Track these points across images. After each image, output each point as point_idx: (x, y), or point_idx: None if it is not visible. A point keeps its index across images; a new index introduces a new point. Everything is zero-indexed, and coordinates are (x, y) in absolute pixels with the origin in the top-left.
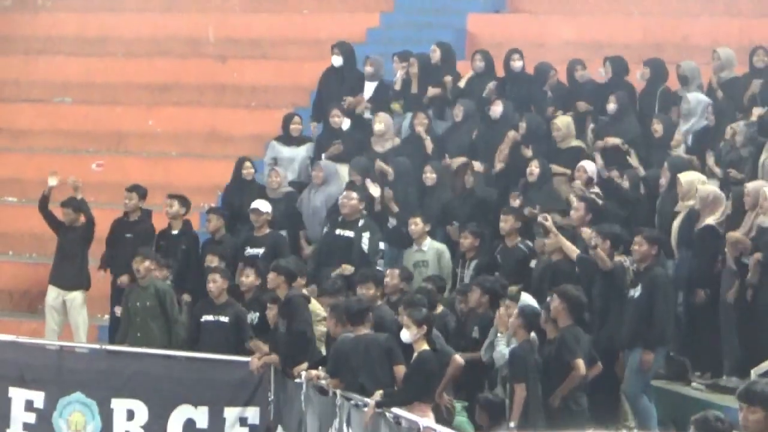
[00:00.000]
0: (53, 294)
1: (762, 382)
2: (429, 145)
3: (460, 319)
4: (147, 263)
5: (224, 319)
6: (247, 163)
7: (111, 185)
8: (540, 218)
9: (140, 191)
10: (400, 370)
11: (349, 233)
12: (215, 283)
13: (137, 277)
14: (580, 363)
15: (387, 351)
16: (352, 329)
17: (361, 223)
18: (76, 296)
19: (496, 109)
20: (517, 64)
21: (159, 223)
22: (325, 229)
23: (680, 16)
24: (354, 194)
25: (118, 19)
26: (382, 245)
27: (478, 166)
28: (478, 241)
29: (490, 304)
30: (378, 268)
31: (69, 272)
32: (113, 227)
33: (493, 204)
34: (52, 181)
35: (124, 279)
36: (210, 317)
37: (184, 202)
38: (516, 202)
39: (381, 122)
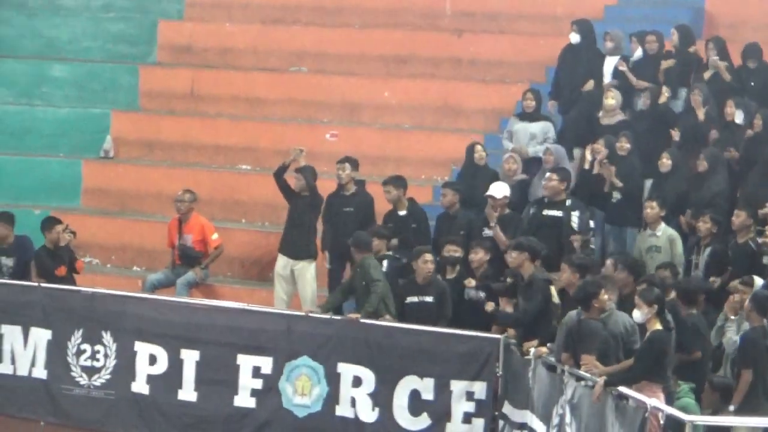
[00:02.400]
0: (282, 263)
1: None
2: (701, 115)
3: None
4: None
5: (428, 299)
6: (478, 147)
7: (344, 156)
8: None
9: (352, 162)
10: (585, 359)
11: (557, 213)
12: (426, 264)
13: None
14: None
15: (579, 337)
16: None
17: (568, 202)
18: (305, 266)
19: (732, 112)
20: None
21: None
22: (532, 210)
23: None
24: (555, 175)
25: None
26: (591, 224)
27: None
28: (716, 227)
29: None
30: (591, 246)
31: (298, 241)
32: (329, 203)
33: (727, 195)
34: (296, 155)
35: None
36: (415, 299)
37: (399, 183)
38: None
39: (613, 98)
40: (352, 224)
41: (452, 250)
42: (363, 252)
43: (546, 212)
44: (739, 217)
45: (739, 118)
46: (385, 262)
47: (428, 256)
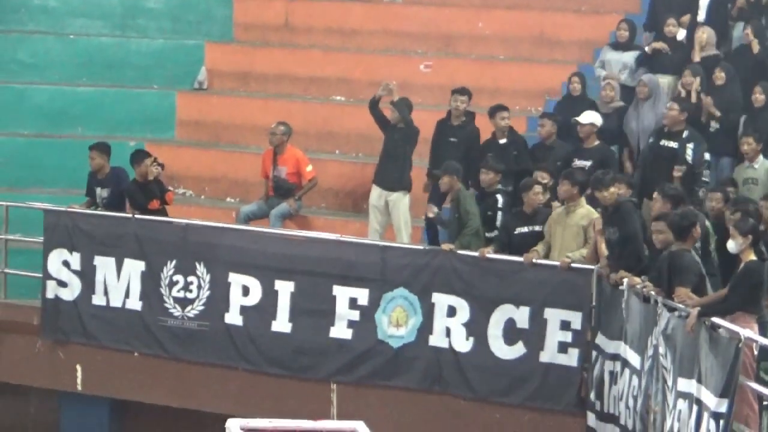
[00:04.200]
0: (376, 194)
1: None
2: (756, 47)
3: None
4: (446, 179)
5: (538, 228)
6: (574, 78)
7: (438, 87)
8: None
9: (468, 94)
10: (679, 291)
11: (673, 144)
12: (537, 196)
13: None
14: None
15: (673, 269)
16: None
17: (685, 134)
18: (399, 197)
19: None
20: None
21: (484, 124)
22: (650, 140)
23: None
24: (675, 105)
25: None
26: (707, 156)
27: None
28: None
29: None
30: (703, 179)
31: (392, 172)
32: (437, 130)
33: None
34: (385, 92)
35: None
36: (524, 229)
37: (508, 111)
38: None
39: (704, 32)
40: (455, 155)
41: (542, 177)
42: (453, 180)
43: (663, 143)
44: None
45: None
46: (499, 197)
47: (538, 188)
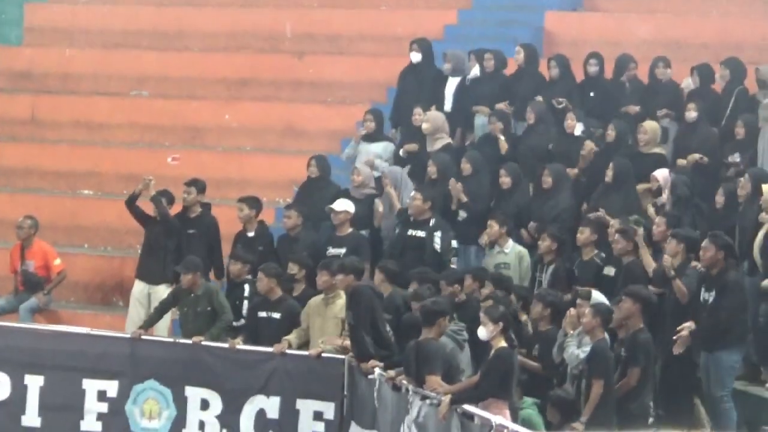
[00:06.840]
0: (139, 287)
1: None
2: (503, 146)
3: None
4: (189, 276)
5: (276, 315)
6: (312, 161)
7: (187, 179)
8: (637, 237)
9: (199, 185)
10: (430, 380)
11: (421, 233)
12: (260, 282)
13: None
14: (636, 373)
15: (421, 358)
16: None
17: (432, 222)
18: (161, 290)
19: (573, 125)
20: (592, 69)
21: (230, 217)
22: (397, 230)
23: (760, 17)
24: (419, 194)
25: (195, 14)
26: (455, 243)
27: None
28: (556, 244)
29: (552, 319)
30: (452, 266)
31: (154, 266)
32: (175, 224)
33: (573, 211)
34: (145, 187)
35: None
36: (264, 314)
37: (254, 203)
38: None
39: (426, 121)
40: (196, 246)
41: (290, 268)
42: (196, 276)
43: (410, 232)
44: (583, 234)
45: (578, 130)
46: (247, 287)
47: (260, 274)
